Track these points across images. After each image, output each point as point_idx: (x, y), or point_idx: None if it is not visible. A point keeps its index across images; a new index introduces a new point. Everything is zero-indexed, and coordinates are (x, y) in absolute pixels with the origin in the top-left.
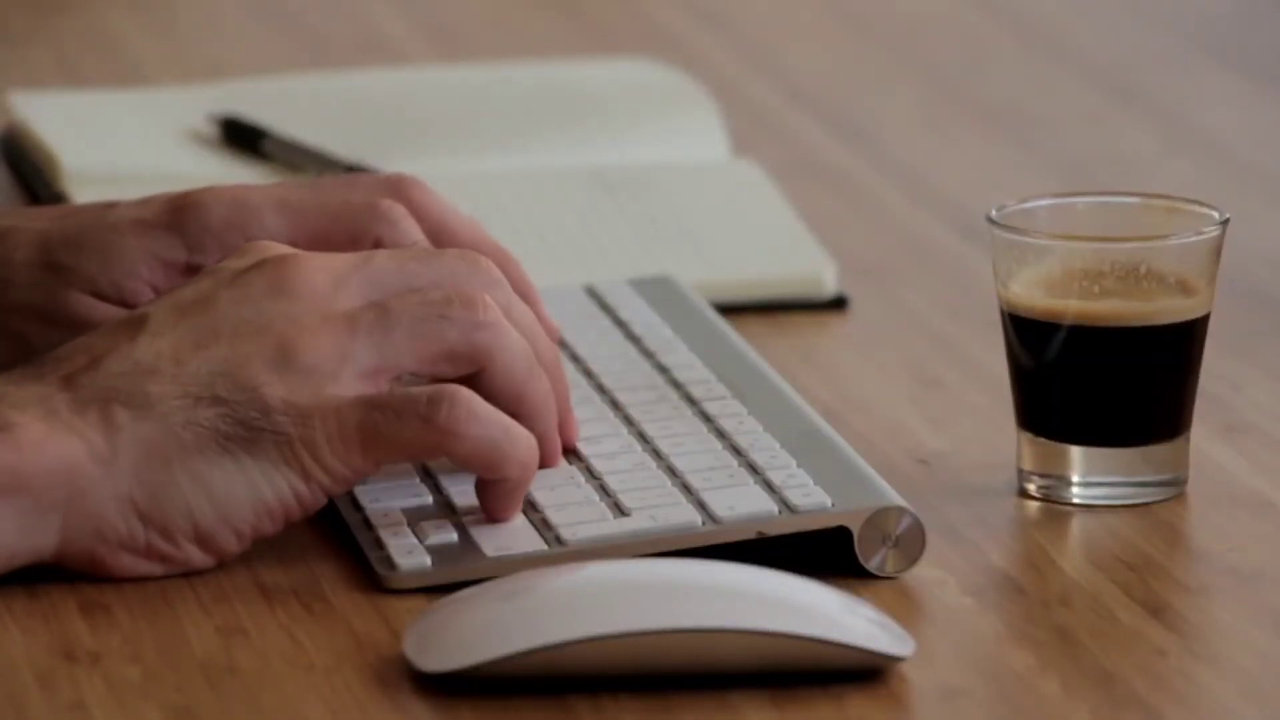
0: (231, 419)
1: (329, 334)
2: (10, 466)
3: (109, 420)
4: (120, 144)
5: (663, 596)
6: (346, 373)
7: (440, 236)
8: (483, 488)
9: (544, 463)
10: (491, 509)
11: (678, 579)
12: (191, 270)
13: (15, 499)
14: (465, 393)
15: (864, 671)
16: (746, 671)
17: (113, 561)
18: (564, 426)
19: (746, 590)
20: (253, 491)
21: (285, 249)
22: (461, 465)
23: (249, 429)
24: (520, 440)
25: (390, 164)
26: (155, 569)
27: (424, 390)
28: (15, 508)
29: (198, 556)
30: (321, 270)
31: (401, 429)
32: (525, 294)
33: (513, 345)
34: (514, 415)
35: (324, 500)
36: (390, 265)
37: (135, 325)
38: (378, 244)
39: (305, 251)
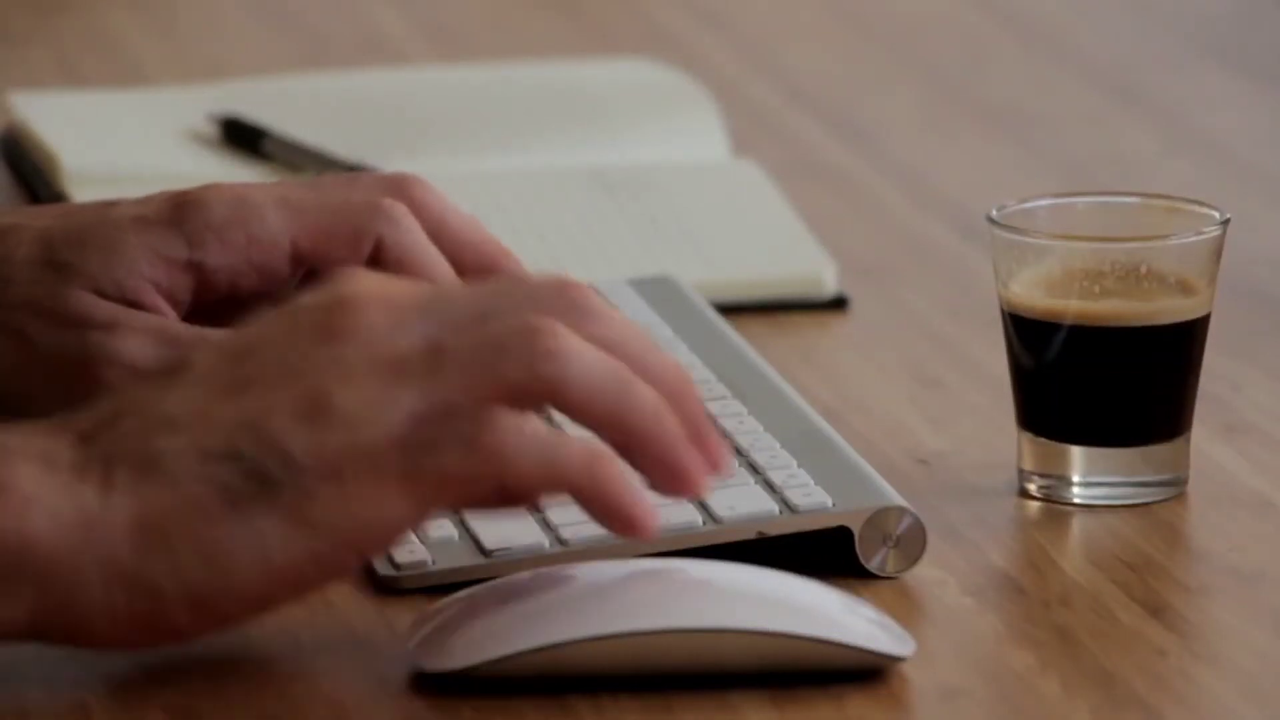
0: (245, 474)
1: (371, 379)
2: None
3: (108, 481)
4: (120, 144)
5: (662, 596)
6: (386, 420)
7: (440, 235)
8: (584, 508)
9: (679, 488)
10: (615, 526)
11: (677, 579)
12: (193, 267)
13: None
14: (505, 410)
15: (864, 671)
16: (746, 671)
17: (88, 632)
18: (703, 444)
19: (746, 590)
20: (260, 554)
21: (367, 283)
22: (522, 491)
23: (264, 484)
24: (578, 450)
25: (390, 164)
26: (139, 639)
27: (462, 415)
28: None
29: (187, 623)
30: (382, 309)
31: (443, 461)
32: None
33: (589, 366)
34: (623, 448)
35: (353, 566)
36: (464, 300)
37: (175, 371)
38: (379, 243)
39: (379, 287)
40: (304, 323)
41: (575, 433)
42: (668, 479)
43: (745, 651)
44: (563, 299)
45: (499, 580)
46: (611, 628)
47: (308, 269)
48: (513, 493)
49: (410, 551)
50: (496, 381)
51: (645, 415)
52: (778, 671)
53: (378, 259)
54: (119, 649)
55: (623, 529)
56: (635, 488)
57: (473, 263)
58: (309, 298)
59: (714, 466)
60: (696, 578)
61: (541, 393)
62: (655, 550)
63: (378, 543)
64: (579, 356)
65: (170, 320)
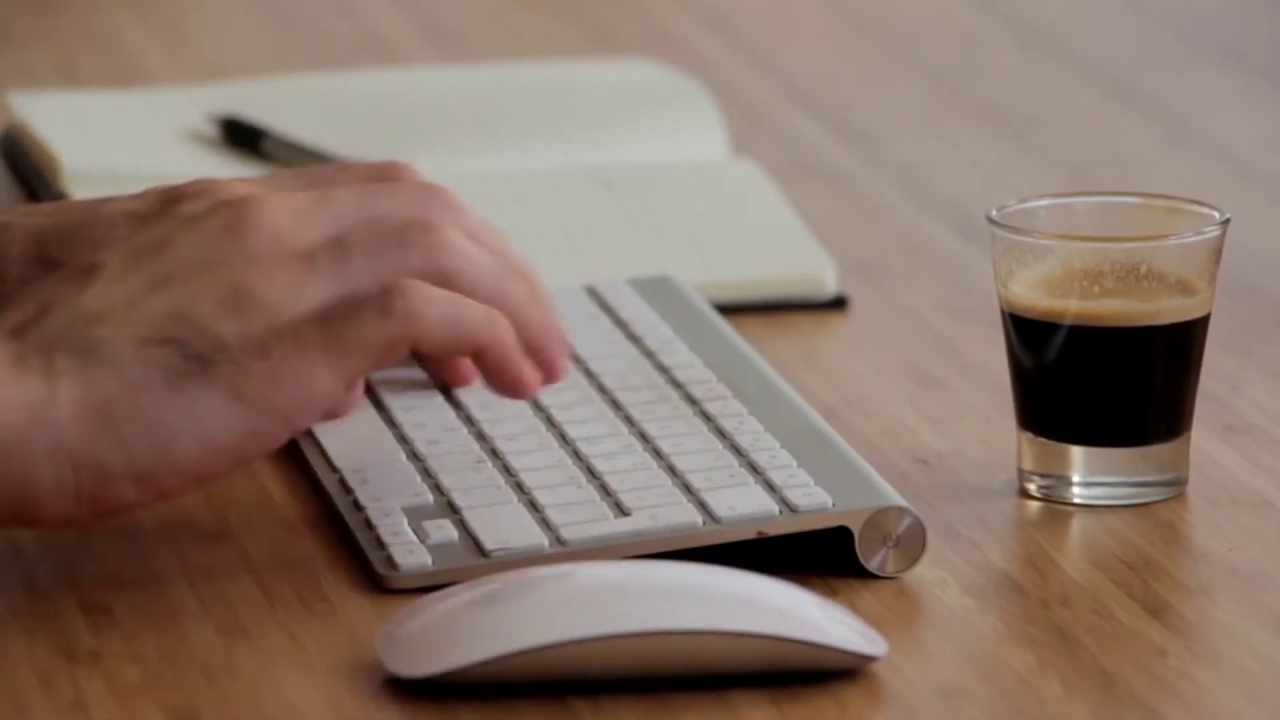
0: (182, 355)
1: (285, 271)
2: None
3: (50, 368)
4: (120, 144)
5: (640, 599)
6: (303, 306)
7: None
8: (482, 372)
9: (547, 377)
10: (502, 385)
11: (650, 581)
12: None
13: None
14: (414, 280)
15: (850, 671)
16: (728, 673)
17: (39, 512)
18: (552, 334)
19: (727, 592)
20: (200, 428)
21: (243, 188)
22: (433, 349)
23: (202, 364)
24: (480, 309)
25: None
26: (86, 515)
27: (371, 289)
28: None
29: (131, 495)
30: (280, 209)
31: (363, 329)
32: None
33: (478, 260)
34: None
35: (282, 438)
36: (349, 199)
37: (89, 272)
38: None
39: (264, 191)
40: (210, 221)
41: None
42: (536, 358)
43: (729, 653)
44: (440, 198)
45: (472, 582)
46: (581, 632)
47: None
48: (426, 345)
49: (410, 552)
50: (399, 270)
51: (521, 300)
52: (756, 673)
53: None
54: (66, 527)
55: (511, 388)
56: (521, 354)
57: None
58: (193, 203)
59: (561, 352)
60: (667, 579)
61: (437, 280)
62: (655, 550)
63: (307, 412)
64: (465, 248)
65: None
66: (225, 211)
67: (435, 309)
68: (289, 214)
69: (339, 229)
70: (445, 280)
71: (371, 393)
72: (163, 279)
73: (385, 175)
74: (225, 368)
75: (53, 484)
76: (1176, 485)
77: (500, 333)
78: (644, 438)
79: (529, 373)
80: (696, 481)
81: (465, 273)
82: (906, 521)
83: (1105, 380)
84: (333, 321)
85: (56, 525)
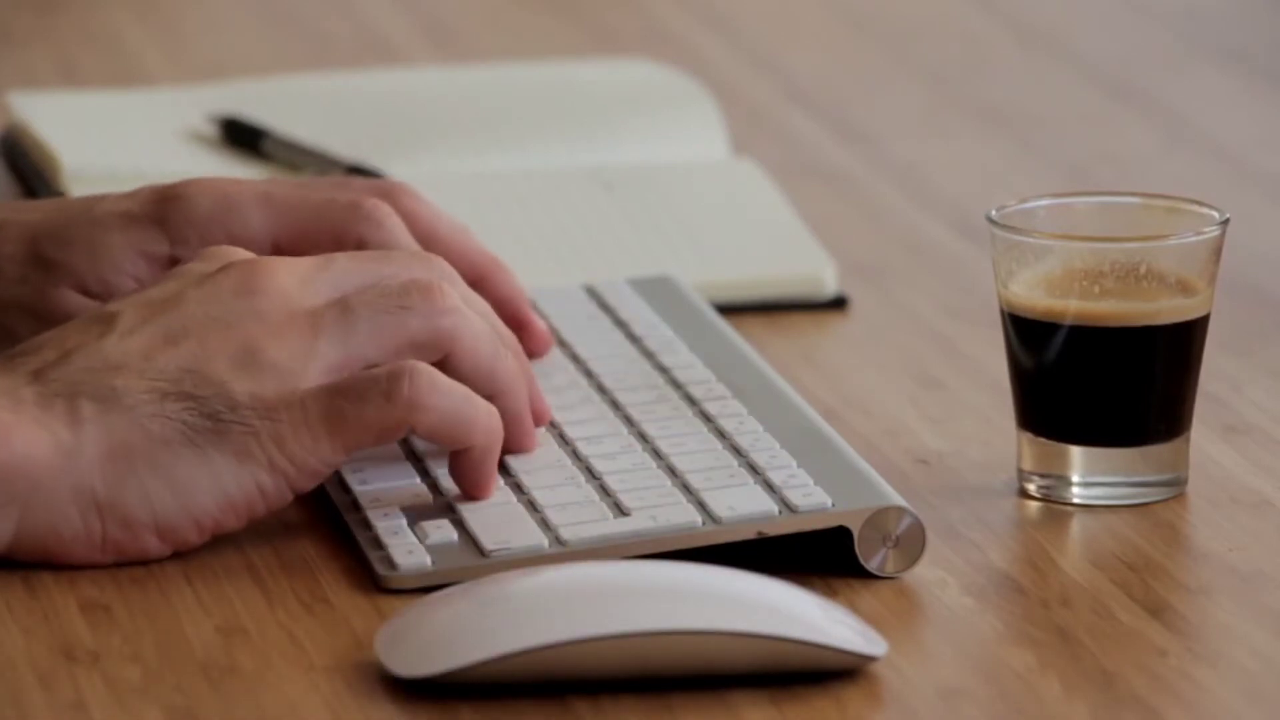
0: (199, 412)
1: (294, 332)
2: None
3: (75, 413)
4: (120, 144)
5: (640, 599)
6: (312, 369)
7: (430, 244)
8: (455, 464)
9: (520, 444)
10: (466, 483)
11: (650, 581)
12: (174, 263)
13: None
14: (423, 366)
15: (850, 671)
16: (730, 672)
17: (65, 554)
18: (536, 405)
19: (724, 592)
20: (217, 485)
21: (249, 254)
22: (428, 437)
23: (216, 422)
24: (482, 406)
25: (390, 164)
26: (108, 559)
27: (383, 369)
28: None
29: (155, 548)
30: (287, 272)
31: (365, 410)
32: (514, 297)
33: (475, 328)
34: (487, 397)
35: (290, 496)
36: (351, 265)
37: (105, 322)
38: (359, 243)
39: (270, 256)
40: (220, 280)
41: None
42: (516, 430)
43: (729, 653)
44: (438, 265)
45: (469, 584)
46: (570, 634)
47: None
48: (422, 433)
49: (410, 552)
50: (401, 332)
51: (512, 373)
52: (756, 673)
53: None
54: (89, 566)
55: (473, 490)
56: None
57: (464, 272)
58: (202, 264)
59: (542, 419)
60: (677, 580)
61: (436, 345)
62: (655, 550)
63: (310, 478)
64: (464, 312)
65: None
66: (235, 272)
67: (440, 401)
68: (296, 278)
69: (342, 291)
70: (441, 344)
71: None
72: (178, 333)
73: (385, 195)
74: (237, 428)
75: (81, 529)
76: (1176, 485)
77: (494, 437)
78: (643, 438)
79: (493, 482)
80: (696, 481)
81: (464, 336)
82: (906, 521)
83: (1105, 380)
84: (338, 397)
85: (81, 565)
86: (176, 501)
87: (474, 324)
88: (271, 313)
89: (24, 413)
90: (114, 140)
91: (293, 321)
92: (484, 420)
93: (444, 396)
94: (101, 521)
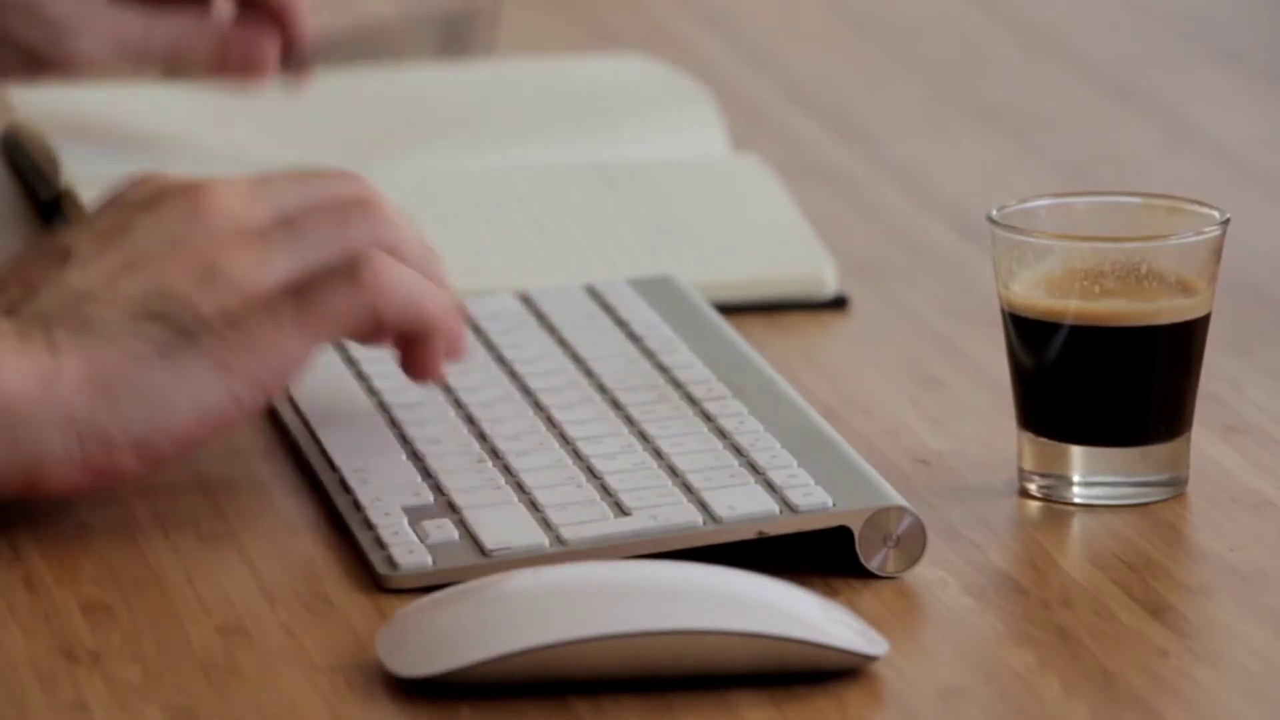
0: (170, 329)
1: (246, 247)
2: None
3: (52, 343)
4: (120, 143)
5: (640, 599)
6: (269, 281)
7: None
8: (411, 351)
9: (456, 348)
10: (420, 368)
11: (650, 581)
12: None
13: None
14: (378, 252)
15: (850, 671)
16: (731, 672)
17: (43, 481)
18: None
19: (727, 592)
20: (192, 397)
21: (182, 178)
22: (392, 323)
23: (188, 337)
24: (436, 290)
25: (390, 163)
26: (88, 482)
27: (340, 260)
28: None
29: (131, 465)
30: (227, 193)
31: (332, 298)
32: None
33: (412, 236)
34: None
35: (261, 403)
36: (288, 184)
37: (60, 255)
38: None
39: (205, 179)
40: (168, 206)
41: None
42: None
43: (729, 653)
44: (366, 184)
45: (468, 584)
46: (569, 634)
47: None
48: (387, 318)
49: (410, 552)
50: (346, 244)
51: (444, 273)
52: (756, 673)
53: None
54: (68, 494)
55: (432, 373)
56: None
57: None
58: (134, 191)
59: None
60: (677, 580)
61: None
62: (655, 550)
63: (282, 378)
64: (402, 224)
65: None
66: (180, 197)
67: (401, 280)
68: (237, 198)
69: (282, 211)
70: (389, 251)
71: (373, 393)
72: (136, 259)
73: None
74: (208, 339)
75: (61, 454)
76: (1176, 485)
77: (453, 317)
78: (644, 438)
79: (440, 368)
80: (696, 481)
81: (403, 246)
82: (906, 521)
83: (1105, 380)
84: (303, 292)
85: (61, 493)
86: (154, 417)
87: (410, 235)
88: (221, 232)
89: (5, 345)
90: (114, 139)
91: (243, 238)
92: (442, 298)
93: (404, 276)
94: (82, 445)
